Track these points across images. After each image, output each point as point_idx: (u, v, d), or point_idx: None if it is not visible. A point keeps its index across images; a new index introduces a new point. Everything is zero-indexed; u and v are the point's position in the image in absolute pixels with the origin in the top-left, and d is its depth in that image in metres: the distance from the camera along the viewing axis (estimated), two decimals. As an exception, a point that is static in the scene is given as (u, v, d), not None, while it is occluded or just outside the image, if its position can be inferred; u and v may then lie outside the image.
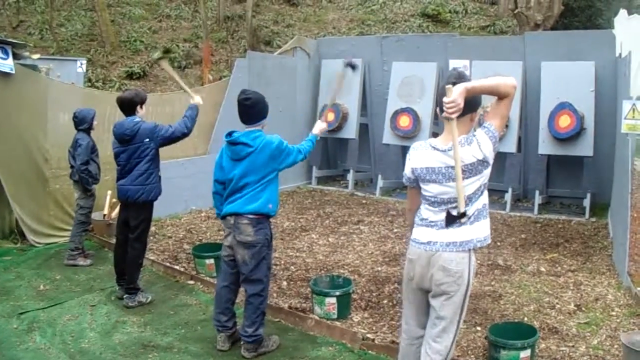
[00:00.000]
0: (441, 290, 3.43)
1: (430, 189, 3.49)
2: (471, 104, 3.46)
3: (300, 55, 11.68)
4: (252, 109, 4.63)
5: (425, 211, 3.57)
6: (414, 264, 3.54)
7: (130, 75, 16.35)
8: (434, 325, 3.50)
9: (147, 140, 5.67)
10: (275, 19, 20.90)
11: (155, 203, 5.98)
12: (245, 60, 10.52)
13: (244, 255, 4.61)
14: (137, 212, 5.81)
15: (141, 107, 5.90)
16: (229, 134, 4.69)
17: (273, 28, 20.15)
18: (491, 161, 3.40)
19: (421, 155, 3.53)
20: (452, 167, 3.33)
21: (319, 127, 5.13)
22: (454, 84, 3.34)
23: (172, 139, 5.80)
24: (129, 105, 5.82)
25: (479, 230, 3.44)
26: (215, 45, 18.62)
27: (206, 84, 12.48)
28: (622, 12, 9.08)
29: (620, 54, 8.80)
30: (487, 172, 3.42)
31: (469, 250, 3.42)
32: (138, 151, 5.70)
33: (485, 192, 3.48)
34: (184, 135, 5.81)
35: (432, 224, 3.49)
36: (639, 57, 6.99)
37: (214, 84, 11.20)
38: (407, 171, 3.62)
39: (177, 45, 18.16)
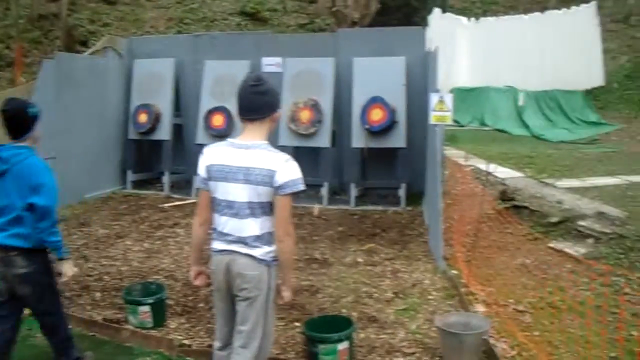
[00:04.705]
0: (243, 296, 3.34)
1: (219, 189, 3.29)
2: (272, 104, 3.28)
3: (112, 56, 11.10)
4: (11, 122, 3.83)
5: (216, 221, 3.39)
6: (217, 274, 3.41)
7: None
8: (239, 331, 3.39)
9: None
10: (92, 17, 20.27)
11: None
12: (53, 61, 9.75)
13: (24, 290, 3.91)
14: None
15: None
16: None
17: (89, 27, 19.54)
18: (268, 198, 3.23)
19: (218, 152, 3.33)
20: (245, 168, 3.20)
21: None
22: (252, 86, 3.21)
23: None
24: None
25: (271, 250, 3.33)
26: (28, 45, 17.72)
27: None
28: (436, 11, 9.57)
29: (429, 50, 9.14)
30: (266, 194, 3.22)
31: (267, 265, 3.33)
32: None
33: (270, 221, 3.29)
34: None
35: (226, 236, 3.33)
36: (448, 52, 7.27)
37: (22, 86, 10.38)
38: (201, 171, 3.36)
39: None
